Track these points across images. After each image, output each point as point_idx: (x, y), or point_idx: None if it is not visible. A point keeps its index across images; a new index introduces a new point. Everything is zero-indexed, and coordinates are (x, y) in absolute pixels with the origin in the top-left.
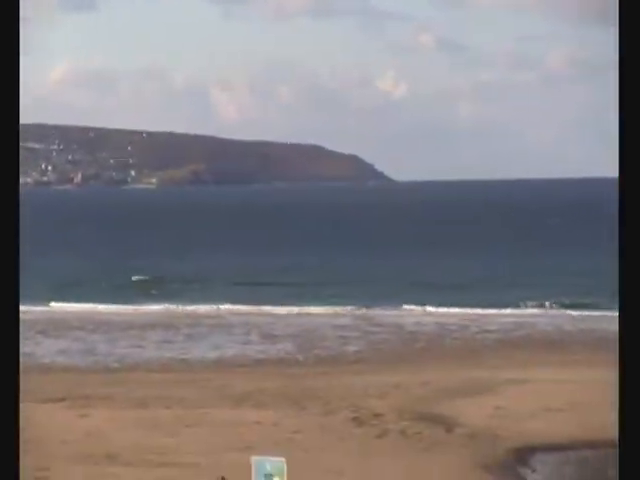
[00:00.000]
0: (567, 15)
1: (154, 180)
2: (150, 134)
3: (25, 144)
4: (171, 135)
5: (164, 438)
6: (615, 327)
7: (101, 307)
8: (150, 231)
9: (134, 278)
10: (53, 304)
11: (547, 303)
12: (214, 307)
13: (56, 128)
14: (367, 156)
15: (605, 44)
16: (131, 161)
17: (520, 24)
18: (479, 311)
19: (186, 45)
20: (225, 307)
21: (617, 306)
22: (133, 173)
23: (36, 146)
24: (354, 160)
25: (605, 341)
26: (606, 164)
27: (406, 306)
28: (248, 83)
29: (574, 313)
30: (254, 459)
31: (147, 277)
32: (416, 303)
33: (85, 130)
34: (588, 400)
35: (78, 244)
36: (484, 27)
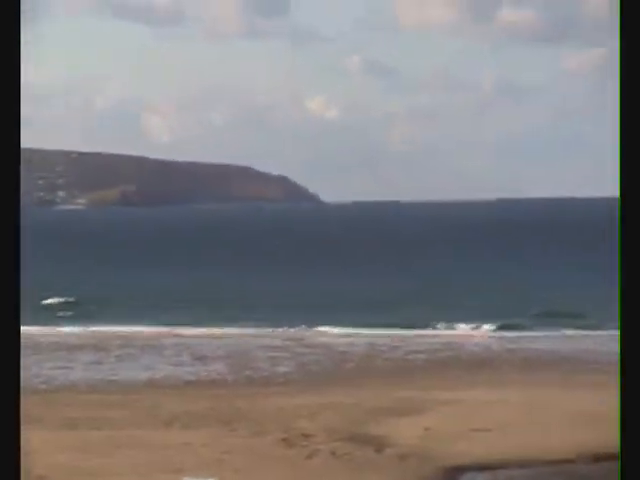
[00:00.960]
0: (499, 36)
1: (83, 201)
2: (80, 154)
3: None
4: (101, 156)
5: (95, 459)
6: (541, 346)
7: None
8: (70, 252)
9: (49, 301)
10: None
11: (474, 324)
12: (135, 328)
13: None
14: (298, 178)
15: (539, 65)
16: (60, 181)
17: (449, 46)
18: (408, 332)
19: (117, 65)
20: (150, 329)
21: (541, 327)
22: (62, 194)
23: None
24: (284, 181)
25: (532, 361)
26: (541, 185)
27: (334, 328)
28: (178, 104)
29: (501, 334)
30: None
31: (63, 299)
32: (345, 324)
33: None
34: (516, 420)
35: None
36: (412, 50)
